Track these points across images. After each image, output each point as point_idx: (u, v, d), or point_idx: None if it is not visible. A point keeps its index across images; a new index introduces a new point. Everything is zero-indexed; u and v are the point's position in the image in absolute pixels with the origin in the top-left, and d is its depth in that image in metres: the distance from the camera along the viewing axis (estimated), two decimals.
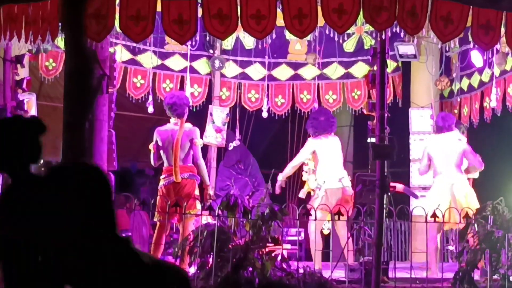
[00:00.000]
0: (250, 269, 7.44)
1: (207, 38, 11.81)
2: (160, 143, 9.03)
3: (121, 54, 11.31)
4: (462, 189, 9.32)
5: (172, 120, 9.09)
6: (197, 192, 8.93)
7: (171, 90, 11.87)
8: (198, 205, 8.69)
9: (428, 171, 9.65)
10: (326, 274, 8.04)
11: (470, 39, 8.24)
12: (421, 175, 9.82)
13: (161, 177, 9.03)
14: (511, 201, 8.19)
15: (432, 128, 11.36)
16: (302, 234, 11.75)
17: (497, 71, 10.71)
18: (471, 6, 8.04)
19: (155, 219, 8.92)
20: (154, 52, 11.72)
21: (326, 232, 10.44)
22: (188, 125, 9.11)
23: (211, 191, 9.19)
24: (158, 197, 8.72)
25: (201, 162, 9.06)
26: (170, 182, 8.87)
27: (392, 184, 9.65)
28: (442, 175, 9.42)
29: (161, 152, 9.04)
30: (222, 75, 12.49)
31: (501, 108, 10.88)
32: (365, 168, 12.74)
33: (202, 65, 12.35)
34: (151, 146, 9.13)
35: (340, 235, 9.54)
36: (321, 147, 9.84)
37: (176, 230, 10.49)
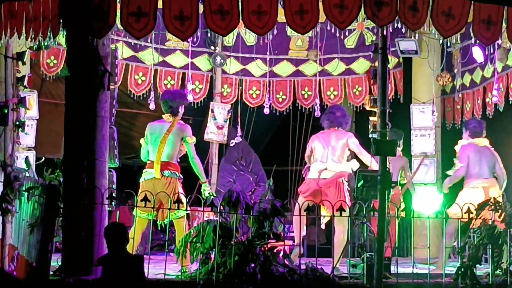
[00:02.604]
0: (253, 265, 7.44)
1: (208, 34, 11.81)
2: (149, 138, 9.04)
3: (123, 51, 11.31)
4: (497, 193, 9.41)
5: (165, 116, 9.09)
6: (180, 190, 8.85)
7: (172, 86, 11.88)
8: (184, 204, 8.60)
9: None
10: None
11: (472, 34, 8.23)
12: (459, 175, 9.80)
13: (143, 171, 8.99)
14: None
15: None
16: (304, 230, 11.74)
17: (499, 67, 10.71)
18: (472, 1, 8.04)
19: (135, 213, 8.82)
20: (155, 49, 11.72)
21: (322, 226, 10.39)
22: (180, 123, 9.08)
23: (207, 188, 9.08)
24: (139, 191, 8.64)
25: (196, 159, 9.02)
26: (151, 178, 8.86)
27: None
28: (478, 178, 9.54)
29: (150, 147, 9.03)
30: (223, 72, 12.49)
31: (503, 103, 10.88)
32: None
33: (203, 62, 12.36)
34: (142, 141, 9.13)
35: (336, 230, 9.34)
36: (315, 145, 9.66)
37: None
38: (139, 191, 8.68)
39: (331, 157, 9.50)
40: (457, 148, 10.00)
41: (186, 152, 9.06)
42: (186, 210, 8.49)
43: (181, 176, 8.97)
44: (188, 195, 8.37)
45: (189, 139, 8.99)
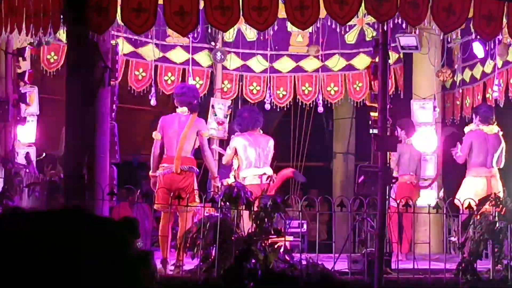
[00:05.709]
0: (253, 261, 7.44)
1: (209, 30, 11.79)
2: (164, 132, 8.88)
3: (123, 46, 11.29)
4: (499, 183, 9.43)
5: (179, 110, 8.92)
6: (195, 185, 8.82)
7: (173, 82, 11.88)
8: (197, 198, 8.61)
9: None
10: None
11: (472, 30, 8.22)
12: (460, 161, 9.91)
13: (161, 165, 8.90)
14: None
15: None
16: (305, 226, 11.77)
17: (499, 62, 10.71)
18: None
19: (156, 207, 8.77)
20: (156, 44, 11.71)
21: None
22: (194, 117, 8.99)
23: (218, 183, 9.00)
24: (158, 186, 8.60)
25: (208, 153, 8.95)
26: (169, 172, 8.76)
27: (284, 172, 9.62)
28: (482, 167, 9.56)
29: (164, 141, 8.90)
30: (224, 68, 12.48)
31: (503, 99, 10.88)
32: (367, 159, 12.75)
33: (203, 58, 12.34)
34: (154, 134, 8.98)
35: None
36: (242, 145, 9.36)
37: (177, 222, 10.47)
38: (157, 186, 8.59)
39: (264, 160, 9.33)
40: (466, 130, 10.01)
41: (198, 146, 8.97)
42: (198, 205, 8.48)
43: (197, 170, 8.92)
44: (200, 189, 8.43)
45: (204, 133, 8.89)
